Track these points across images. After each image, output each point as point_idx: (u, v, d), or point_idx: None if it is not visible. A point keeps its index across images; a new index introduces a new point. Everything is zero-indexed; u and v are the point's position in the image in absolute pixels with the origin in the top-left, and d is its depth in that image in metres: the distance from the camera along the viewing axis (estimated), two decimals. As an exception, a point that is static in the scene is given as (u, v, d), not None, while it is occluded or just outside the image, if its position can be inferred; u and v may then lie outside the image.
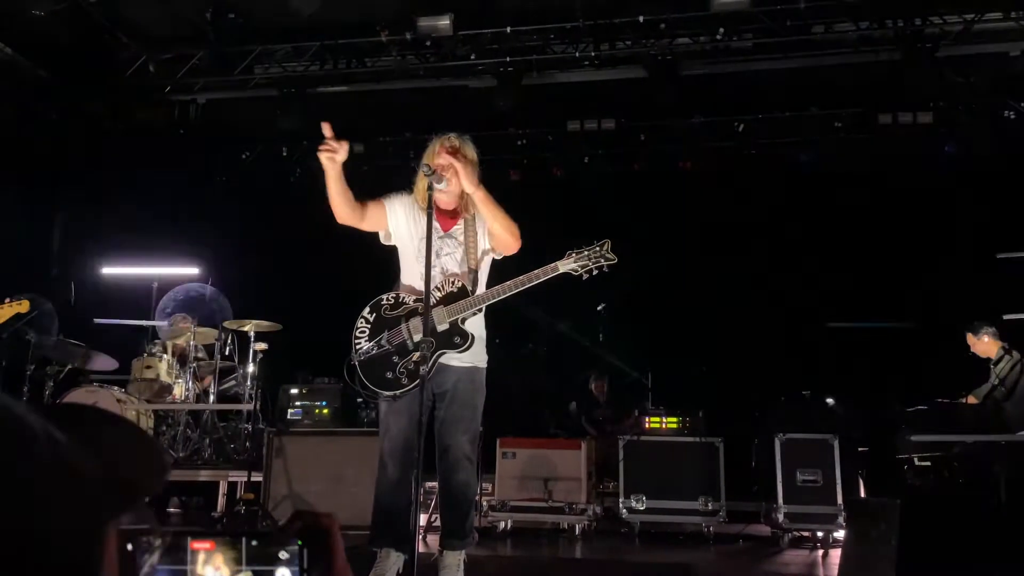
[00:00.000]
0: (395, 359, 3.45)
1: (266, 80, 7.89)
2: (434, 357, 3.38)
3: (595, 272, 3.45)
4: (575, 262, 3.46)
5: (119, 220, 8.48)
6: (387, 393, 3.43)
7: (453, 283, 3.50)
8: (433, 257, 3.35)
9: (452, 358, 3.49)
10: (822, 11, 6.89)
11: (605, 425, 7.88)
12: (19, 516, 0.55)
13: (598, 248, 3.48)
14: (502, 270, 3.73)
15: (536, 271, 3.45)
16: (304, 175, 9.37)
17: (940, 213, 7.95)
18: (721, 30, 7.07)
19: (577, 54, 7.36)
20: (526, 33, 7.34)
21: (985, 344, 6.52)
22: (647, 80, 7.35)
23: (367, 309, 3.58)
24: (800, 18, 6.91)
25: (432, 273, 3.26)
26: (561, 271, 3.47)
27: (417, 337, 3.42)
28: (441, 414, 3.52)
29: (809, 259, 8.36)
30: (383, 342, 3.48)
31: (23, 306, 5.79)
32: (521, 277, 3.45)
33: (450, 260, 3.56)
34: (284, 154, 9.33)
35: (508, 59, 7.36)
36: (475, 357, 3.56)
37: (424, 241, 3.33)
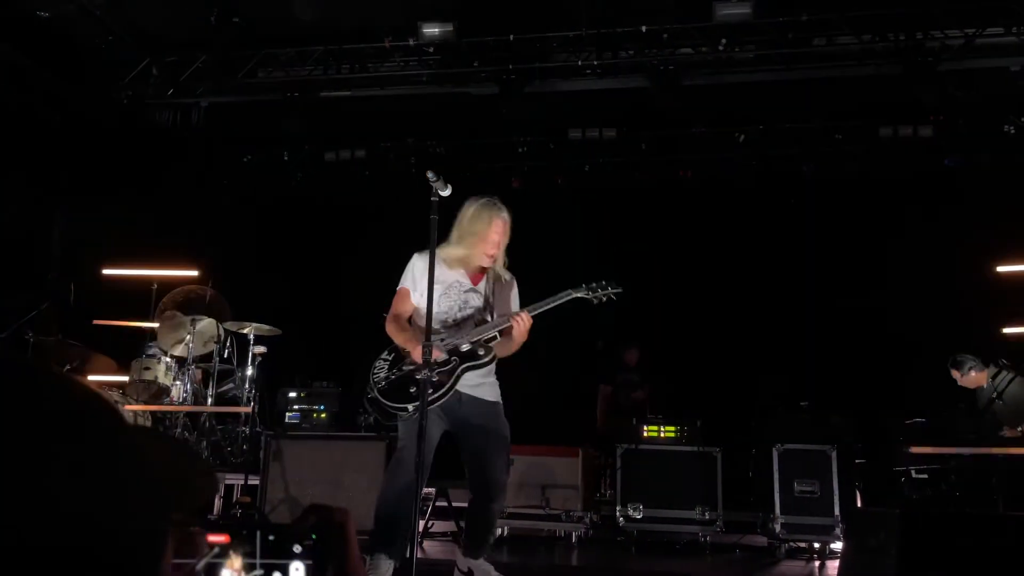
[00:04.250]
0: (417, 376, 3.58)
1: (269, 84, 7.90)
2: (459, 370, 3.61)
3: (604, 300, 3.82)
4: (587, 290, 3.81)
5: (120, 222, 8.48)
6: (411, 406, 3.56)
7: (473, 319, 3.78)
8: (457, 309, 3.72)
9: (484, 392, 3.70)
10: (824, 24, 6.92)
11: (630, 391, 7.90)
12: (100, 499, 0.56)
13: (603, 283, 3.84)
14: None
15: (549, 298, 3.74)
16: (305, 180, 9.39)
17: (939, 226, 7.97)
18: (723, 41, 7.10)
19: (579, 62, 7.37)
20: (529, 41, 7.36)
21: (973, 378, 6.44)
22: (649, 90, 7.37)
23: (385, 351, 3.80)
24: (802, 30, 6.93)
25: (456, 318, 3.69)
26: (574, 296, 3.80)
27: (440, 357, 3.61)
28: (477, 445, 3.70)
29: (809, 270, 8.38)
30: (403, 367, 3.66)
31: None
32: (537, 303, 3.73)
33: (473, 311, 3.80)
34: (285, 158, 9.35)
35: (511, 66, 7.38)
36: (498, 394, 3.81)
37: (448, 288, 3.74)
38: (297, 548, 0.75)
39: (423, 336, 3.59)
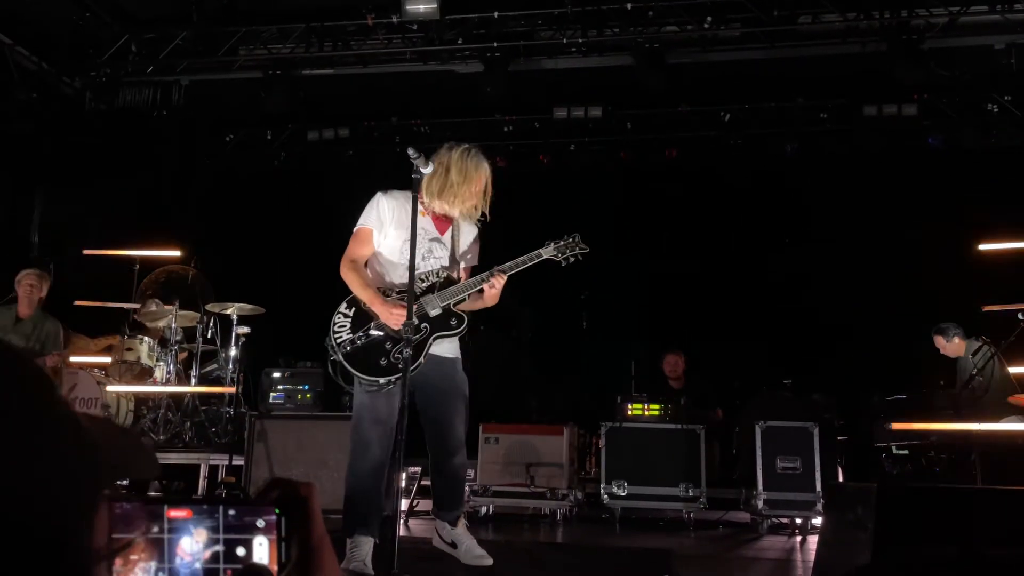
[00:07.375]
0: (388, 345, 3.44)
1: (251, 62, 7.81)
2: (430, 340, 3.48)
3: (571, 260, 3.69)
4: (555, 250, 3.66)
5: (100, 202, 8.39)
6: (383, 379, 3.41)
7: (439, 274, 3.57)
8: (419, 258, 3.40)
9: (443, 349, 3.56)
10: (809, 1, 6.91)
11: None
12: (28, 460, 0.55)
13: (571, 240, 3.70)
14: (485, 257, 3.80)
15: (520, 258, 3.59)
16: (288, 159, 9.31)
17: (922, 204, 8.00)
18: (709, 18, 7.08)
19: (564, 40, 7.34)
20: (513, 18, 7.31)
21: (955, 346, 6.55)
22: (634, 68, 7.34)
23: (343, 305, 3.56)
24: (787, 8, 6.93)
25: (419, 271, 3.41)
26: (544, 257, 3.65)
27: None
28: (435, 405, 3.57)
29: (792, 248, 8.41)
30: (371, 331, 3.47)
31: None
32: (507, 263, 3.56)
33: (437, 263, 3.61)
34: (268, 137, 9.26)
35: (495, 44, 7.33)
36: (457, 349, 3.66)
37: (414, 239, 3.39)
38: (260, 523, 0.74)
39: (387, 290, 3.48)
